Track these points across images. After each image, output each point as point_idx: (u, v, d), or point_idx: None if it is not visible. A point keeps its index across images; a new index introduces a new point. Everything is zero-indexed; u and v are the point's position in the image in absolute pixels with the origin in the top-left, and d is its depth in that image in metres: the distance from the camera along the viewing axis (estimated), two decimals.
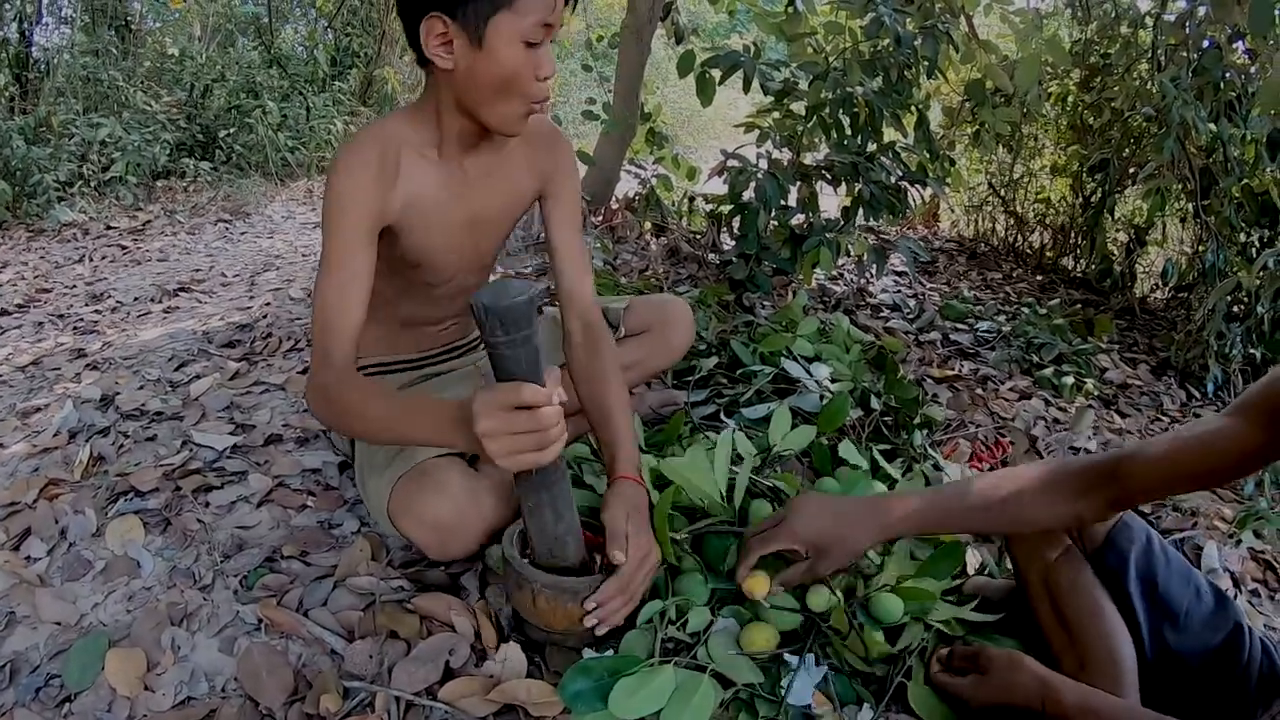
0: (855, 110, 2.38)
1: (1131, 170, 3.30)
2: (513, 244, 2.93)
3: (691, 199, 3.46)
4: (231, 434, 1.57)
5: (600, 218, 3.47)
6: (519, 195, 1.24)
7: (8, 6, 4.69)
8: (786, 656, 1.05)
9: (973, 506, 1.01)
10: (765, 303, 2.59)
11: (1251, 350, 2.52)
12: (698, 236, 3.18)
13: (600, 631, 1.00)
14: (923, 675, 1.05)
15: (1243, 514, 1.65)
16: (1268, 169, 2.67)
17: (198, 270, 3.21)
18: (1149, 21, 2.91)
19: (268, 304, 2.55)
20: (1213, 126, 2.62)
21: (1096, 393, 2.36)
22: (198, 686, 1.01)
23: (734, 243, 2.54)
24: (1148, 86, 2.95)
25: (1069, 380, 2.33)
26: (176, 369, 1.93)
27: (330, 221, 1.03)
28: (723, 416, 1.70)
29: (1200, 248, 2.94)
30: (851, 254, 2.52)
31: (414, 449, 1.14)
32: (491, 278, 1.44)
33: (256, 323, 2.30)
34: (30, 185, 3.94)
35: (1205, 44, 2.63)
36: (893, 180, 2.50)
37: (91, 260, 3.40)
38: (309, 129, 5.47)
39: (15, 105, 4.50)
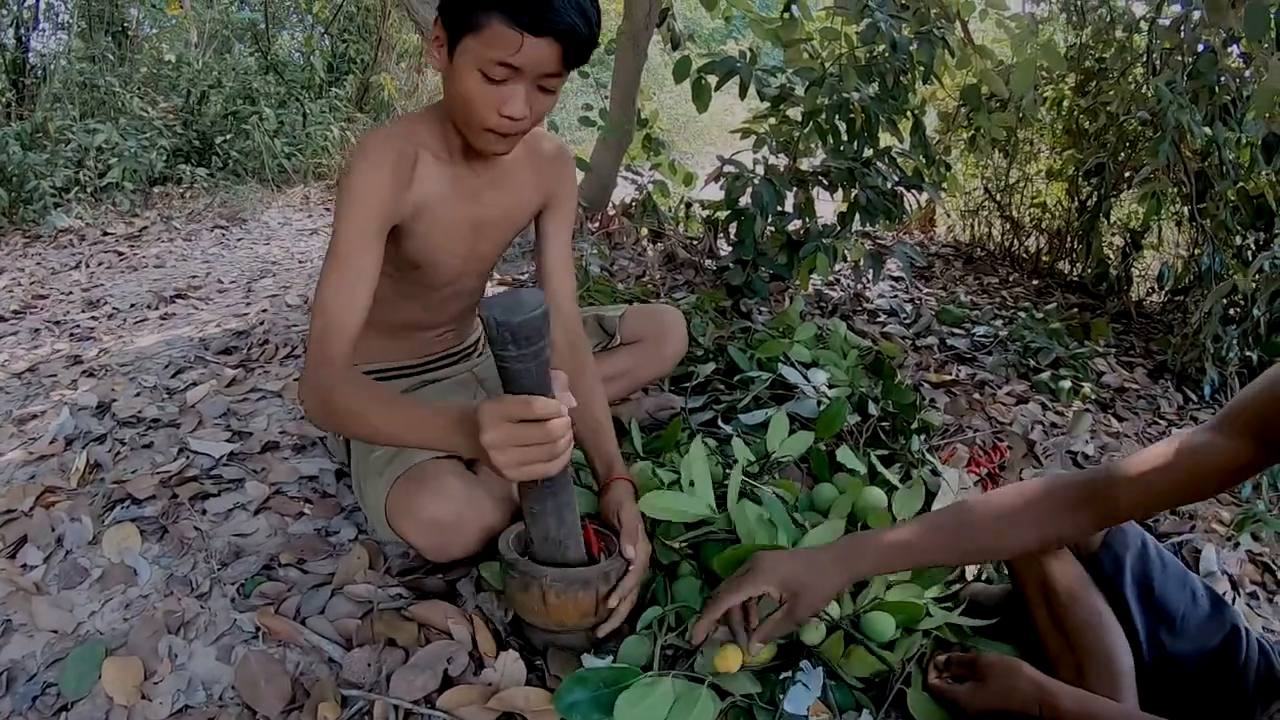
0: (851, 116, 2.39)
1: (1127, 174, 3.31)
2: (511, 250, 2.93)
3: (688, 205, 3.47)
4: (228, 441, 1.57)
5: (597, 224, 3.47)
6: (523, 206, 1.26)
7: (4, 12, 4.70)
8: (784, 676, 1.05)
9: (946, 540, 0.97)
10: (762, 308, 2.59)
11: (1248, 353, 2.52)
12: (694, 242, 3.19)
13: (608, 629, 1.05)
14: (921, 682, 1.05)
15: (1241, 517, 1.66)
16: (1263, 172, 2.68)
17: (194, 277, 3.21)
18: (1144, 26, 2.92)
19: (264, 311, 2.55)
20: (1208, 130, 2.63)
21: (1094, 396, 2.36)
22: (195, 695, 1.01)
23: (731, 248, 2.54)
24: (1143, 91, 2.95)
25: (1066, 384, 2.33)
26: (173, 376, 1.93)
27: (343, 214, 1.04)
28: (720, 423, 1.70)
29: (1196, 251, 2.94)
30: (848, 259, 2.52)
31: (411, 451, 1.14)
32: (489, 285, 1.44)
33: (253, 329, 2.30)
34: (26, 191, 3.94)
35: (1200, 48, 2.64)
36: (889, 185, 2.51)
37: (88, 266, 3.40)
38: (305, 135, 5.49)
39: (12, 111, 4.50)
